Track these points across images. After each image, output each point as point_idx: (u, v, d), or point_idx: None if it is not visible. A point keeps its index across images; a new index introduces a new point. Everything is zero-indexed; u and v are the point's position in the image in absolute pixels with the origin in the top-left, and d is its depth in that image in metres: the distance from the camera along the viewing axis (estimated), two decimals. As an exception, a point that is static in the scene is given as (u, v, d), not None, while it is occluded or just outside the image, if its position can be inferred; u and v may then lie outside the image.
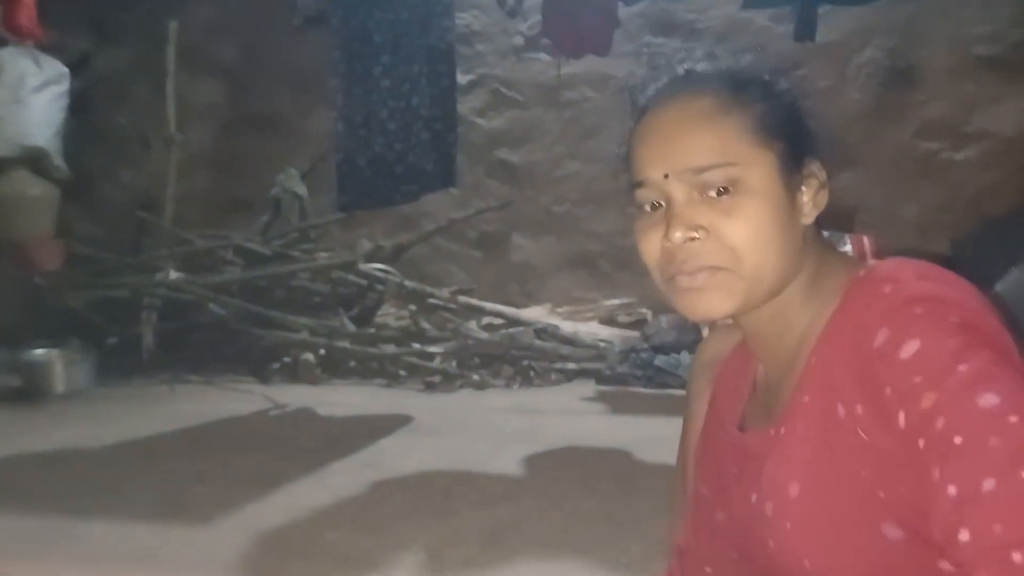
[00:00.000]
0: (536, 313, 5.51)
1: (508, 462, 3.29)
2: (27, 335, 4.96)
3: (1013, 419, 0.72)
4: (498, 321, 5.32)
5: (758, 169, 0.89)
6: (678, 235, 0.89)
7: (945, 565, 0.81)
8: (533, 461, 3.33)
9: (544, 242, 5.89)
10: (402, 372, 4.91)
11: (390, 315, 5.35)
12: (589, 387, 4.66)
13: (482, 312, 5.36)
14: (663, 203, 0.91)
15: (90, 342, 5.00)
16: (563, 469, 3.24)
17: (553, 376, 4.81)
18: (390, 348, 5.04)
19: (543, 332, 5.09)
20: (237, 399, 4.54)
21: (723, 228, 0.89)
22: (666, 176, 0.90)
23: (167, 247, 5.42)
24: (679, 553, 1.13)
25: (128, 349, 5.05)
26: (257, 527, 2.67)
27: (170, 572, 2.33)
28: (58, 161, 5.07)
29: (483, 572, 2.30)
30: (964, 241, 4.20)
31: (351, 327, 5.13)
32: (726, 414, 1.06)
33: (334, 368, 4.99)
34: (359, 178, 4.36)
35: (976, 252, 4.05)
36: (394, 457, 3.43)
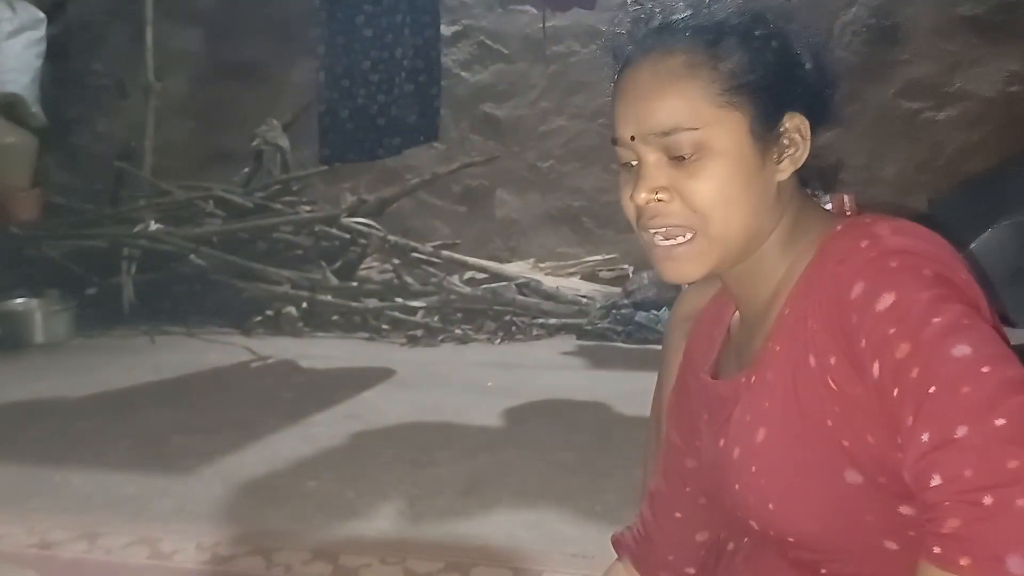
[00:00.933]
0: (519, 268, 5.51)
1: (488, 414, 3.32)
2: (5, 285, 4.92)
3: (985, 369, 0.73)
4: (481, 276, 5.32)
5: (725, 131, 0.90)
6: (642, 196, 0.91)
7: (905, 510, 0.83)
8: (513, 413, 3.36)
9: (528, 198, 5.87)
10: (385, 326, 4.92)
11: (373, 269, 5.34)
12: (570, 342, 4.69)
13: (465, 267, 5.36)
14: (635, 162, 0.93)
15: (69, 293, 4.97)
16: (542, 421, 3.28)
17: (535, 331, 4.83)
18: (373, 302, 5.04)
19: (525, 287, 5.10)
20: (219, 350, 4.54)
21: (687, 190, 0.90)
22: (633, 138, 0.91)
23: (146, 198, 5.37)
24: (650, 498, 1.15)
25: (108, 300, 5.02)
26: (238, 477, 2.69)
27: (151, 521, 2.35)
28: (35, 108, 4.99)
29: (463, 520, 2.33)
30: (942, 200, 4.23)
31: (334, 280, 5.12)
32: (699, 362, 1.08)
33: (316, 321, 4.99)
34: (341, 130, 4.32)
35: (953, 211, 4.08)
36: (376, 409, 3.45)
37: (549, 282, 5.24)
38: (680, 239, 0.92)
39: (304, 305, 5.00)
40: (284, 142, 5.56)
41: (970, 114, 5.10)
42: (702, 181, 0.90)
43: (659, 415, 1.47)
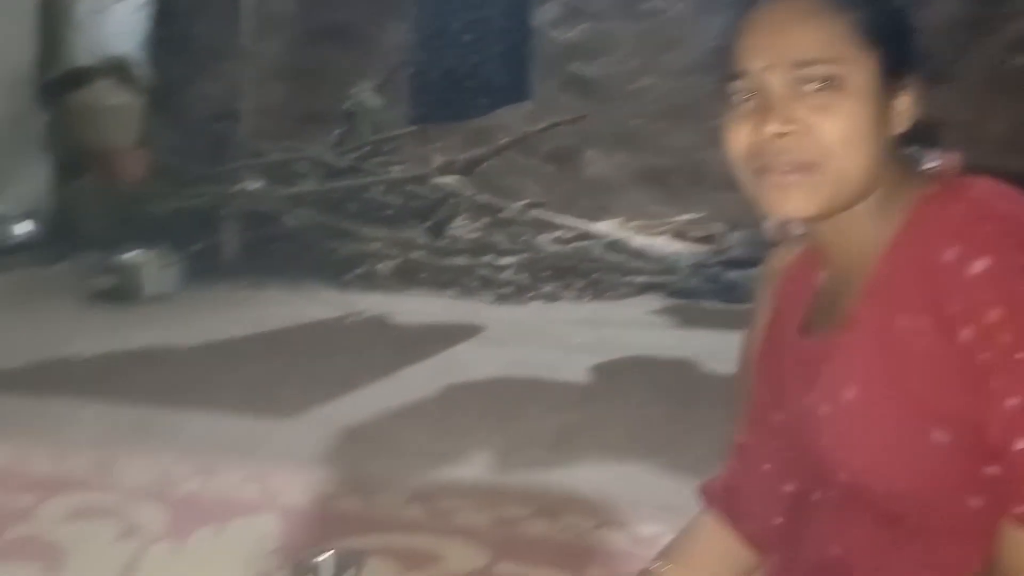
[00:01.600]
0: (608, 227, 5.52)
1: (576, 371, 3.39)
2: (116, 240, 5.18)
3: None
4: (569, 234, 5.36)
5: (859, 70, 0.90)
6: (772, 127, 0.89)
7: (990, 470, 0.85)
8: (601, 370, 3.42)
9: (617, 157, 5.86)
10: (474, 283, 5.01)
11: (463, 227, 5.44)
12: (658, 300, 4.70)
13: (553, 225, 5.40)
14: (758, 97, 0.92)
15: (176, 248, 5.21)
16: (630, 378, 3.33)
17: (623, 289, 4.85)
18: (462, 260, 5.14)
19: (614, 245, 5.12)
20: (316, 305, 4.72)
21: (817, 124, 0.89)
22: (766, 68, 0.90)
23: (244, 158, 5.57)
24: (739, 450, 1.19)
25: (211, 256, 5.25)
26: (339, 424, 2.83)
27: (261, 461, 2.49)
28: (141, 71, 5.22)
29: (550, 472, 2.41)
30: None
31: (424, 239, 5.24)
32: (788, 319, 1.10)
33: (407, 278, 5.12)
34: (432, 91, 4.41)
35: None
36: (467, 364, 3.55)
37: (638, 240, 5.24)
38: (799, 175, 0.91)
39: (396, 262, 5.13)
40: (376, 102, 5.68)
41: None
42: (833, 117, 0.89)
43: (748, 368, 1.50)
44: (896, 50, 0.92)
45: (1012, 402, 0.75)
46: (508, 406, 2.98)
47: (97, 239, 5.20)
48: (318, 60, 6.24)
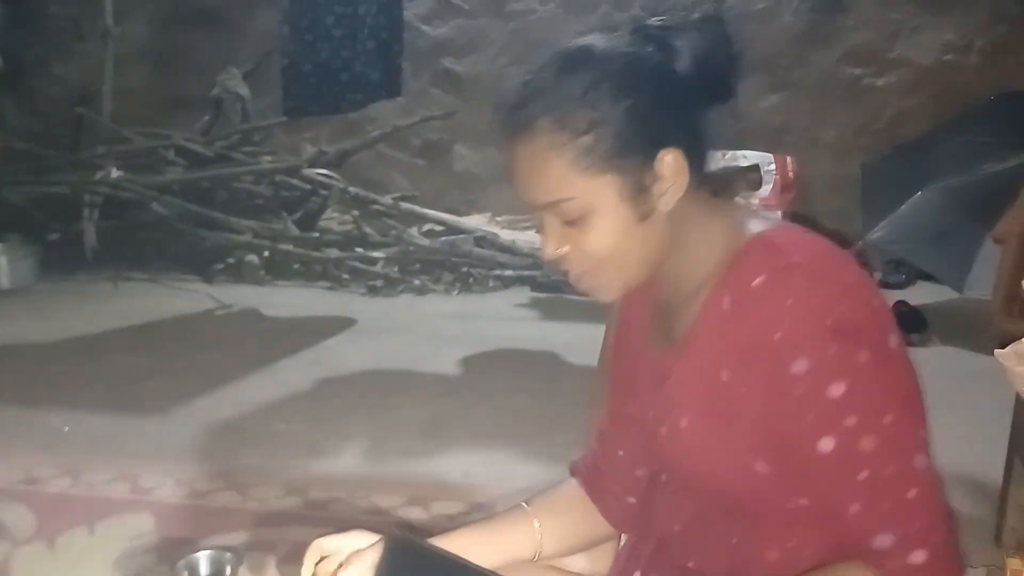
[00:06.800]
0: (476, 221, 5.66)
1: (446, 362, 3.51)
2: (-34, 230, 4.94)
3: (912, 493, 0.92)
4: (439, 228, 5.46)
5: (600, 193, 0.97)
6: (548, 253, 1.02)
7: (803, 501, 1.00)
8: (469, 362, 3.55)
9: (486, 152, 5.99)
10: (345, 276, 5.05)
11: (333, 220, 5.45)
12: (525, 294, 4.88)
13: (424, 219, 5.49)
14: (539, 222, 1.03)
15: (32, 238, 5.01)
16: (497, 369, 3.48)
17: (491, 283, 5.01)
18: (333, 252, 5.17)
19: (482, 240, 5.26)
20: (182, 298, 4.65)
21: (583, 243, 1.01)
22: (529, 206, 1.01)
23: (106, 144, 5.38)
24: (599, 435, 1.33)
25: (70, 246, 5.06)
26: (209, 419, 2.85)
27: (129, 459, 2.49)
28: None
29: (422, 460, 2.52)
30: (875, 163, 4.45)
31: (295, 230, 5.23)
32: (635, 328, 1.21)
33: (278, 270, 5.11)
34: (305, 84, 4.41)
35: (886, 175, 4.31)
36: (338, 356, 3.61)
37: (506, 235, 5.40)
38: (587, 282, 1.05)
39: (266, 254, 5.10)
40: (244, 90, 5.60)
41: (908, 81, 5.33)
42: (591, 238, 1.00)
43: (605, 366, 1.63)
44: (629, 157, 0.96)
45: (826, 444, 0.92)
46: (380, 397, 3.07)
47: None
48: (183, 44, 6.09)
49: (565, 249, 1.02)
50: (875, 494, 0.92)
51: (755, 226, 1.02)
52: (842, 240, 1.15)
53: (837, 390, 0.90)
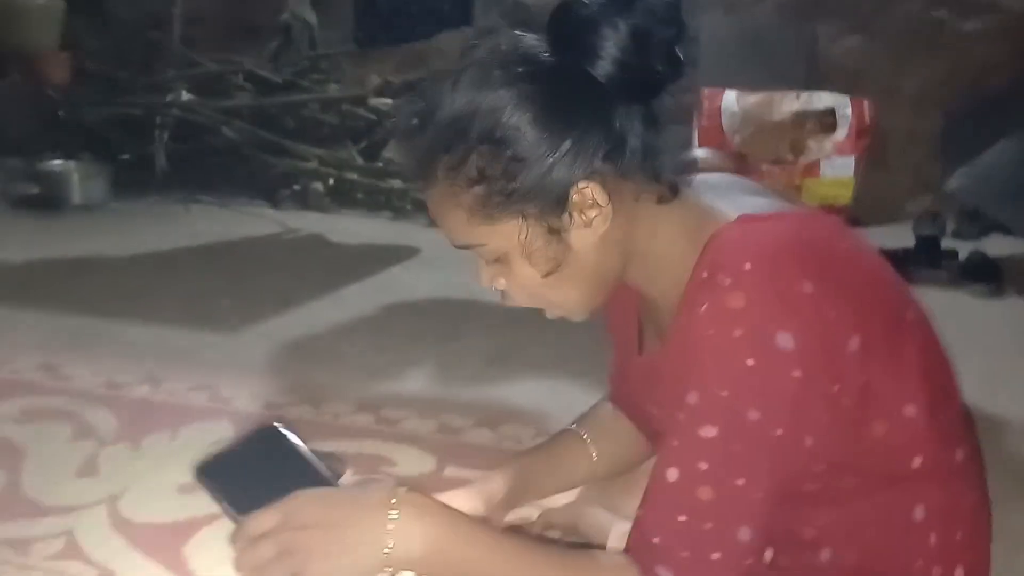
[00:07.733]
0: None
1: (510, 295, 3.52)
2: (42, 147, 5.05)
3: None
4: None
5: (504, 239, 0.94)
6: (484, 285, 1.03)
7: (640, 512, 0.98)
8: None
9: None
10: (408, 207, 5.07)
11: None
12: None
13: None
14: None
15: (104, 157, 5.11)
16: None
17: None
18: (397, 183, 5.18)
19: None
20: (250, 221, 4.72)
21: (509, 285, 1.01)
22: None
23: (177, 68, 5.44)
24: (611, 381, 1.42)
25: (141, 167, 5.16)
26: (280, 338, 2.91)
27: (206, 371, 2.56)
28: (64, -29, 5.01)
29: (488, 386, 2.56)
30: (957, 108, 4.30)
31: (359, 160, 5.25)
32: (627, 340, 1.26)
33: (342, 198, 5.15)
34: (375, 14, 4.39)
35: (967, 121, 4.16)
36: (404, 284, 3.65)
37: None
38: (544, 307, 1.04)
39: (331, 182, 5.15)
40: (313, 18, 5.59)
41: (996, 27, 5.09)
42: (514, 280, 0.99)
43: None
44: (532, 199, 0.90)
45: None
46: (446, 325, 3.11)
47: (20, 145, 5.05)
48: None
49: (501, 283, 1.00)
50: (680, 539, 0.88)
51: (718, 217, 0.94)
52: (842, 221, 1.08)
53: (708, 432, 0.87)
